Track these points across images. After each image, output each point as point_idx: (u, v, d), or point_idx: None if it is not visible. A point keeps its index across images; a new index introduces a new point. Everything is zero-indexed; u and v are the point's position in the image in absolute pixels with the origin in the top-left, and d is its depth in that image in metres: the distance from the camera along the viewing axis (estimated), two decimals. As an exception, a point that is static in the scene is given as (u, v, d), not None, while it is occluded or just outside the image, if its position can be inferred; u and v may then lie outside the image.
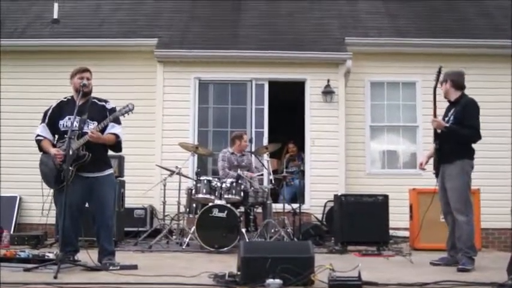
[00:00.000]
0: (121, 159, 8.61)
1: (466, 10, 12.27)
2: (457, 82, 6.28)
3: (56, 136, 5.79)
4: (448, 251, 6.32)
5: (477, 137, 6.10)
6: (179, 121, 10.41)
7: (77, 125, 5.52)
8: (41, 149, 5.79)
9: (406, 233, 8.93)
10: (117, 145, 5.86)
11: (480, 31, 11.37)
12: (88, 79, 5.79)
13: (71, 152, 5.42)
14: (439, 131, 6.15)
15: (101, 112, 5.76)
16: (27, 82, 10.74)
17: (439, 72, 6.19)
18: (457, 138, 6.08)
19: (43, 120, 5.82)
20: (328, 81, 10.42)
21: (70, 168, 5.43)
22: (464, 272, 5.71)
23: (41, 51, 10.96)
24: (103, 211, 5.73)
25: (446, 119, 6.18)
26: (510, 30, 11.10)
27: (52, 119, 5.77)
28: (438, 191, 6.32)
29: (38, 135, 5.77)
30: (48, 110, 5.86)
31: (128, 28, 11.50)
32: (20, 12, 11.93)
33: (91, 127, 5.59)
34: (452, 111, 6.19)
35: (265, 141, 10.19)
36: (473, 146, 6.19)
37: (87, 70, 5.85)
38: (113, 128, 5.73)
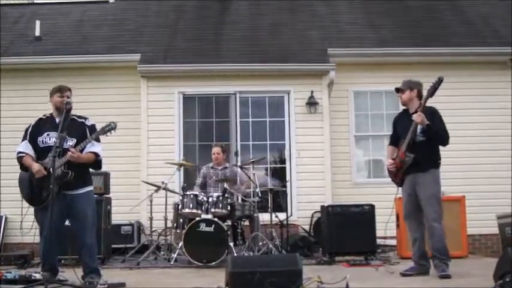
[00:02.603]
0: (106, 176, 8.57)
1: (447, 19, 12.38)
2: (421, 92, 6.31)
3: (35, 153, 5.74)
4: (417, 259, 6.21)
5: (448, 140, 6.18)
6: (164, 136, 10.39)
7: (57, 142, 5.46)
8: (22, 166, 5.74)
9: (394, 242, 8.95)
10: (96, 163, 5.85)
11: (461, 39, 11.48)
12: (68, 97, 5.75)
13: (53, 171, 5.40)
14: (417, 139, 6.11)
15: (80, 129, 5.76)
16: (10, 100, 10.69)
17: (440, 83, 5.97)
18: (436, 138, 6.10)
19: (24, 138, 5.79)
20: (312, 92, 10.47)
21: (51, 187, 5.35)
22: (448, 278, 5.74)
23: (23, 69, 10.93)
24: (83, 228, 5.68)
25: (412, 128, 6.08)
26: (495, 38, 11.32)
27: (32, 136, 5.76)
28: (405, 200, 6.33)
29: (20, 152, 5.73)
30: (28, 127, 5.84)
31: (110, 44, 11.50)
32: (2, 31, 11.87)
33: (69, 144, 5.57)
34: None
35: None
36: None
37: (67, 89, 5.83)
38: (92, 147, 5.69)
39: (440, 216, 6.11)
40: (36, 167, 5.56)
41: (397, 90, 6.39)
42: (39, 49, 11.25)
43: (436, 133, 6.08)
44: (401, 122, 6.41)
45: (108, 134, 5.66)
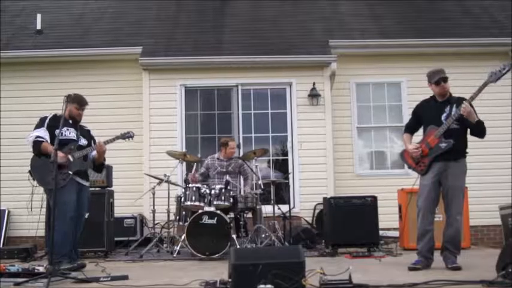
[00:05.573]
0: (109, 169, 8.57)
1: (450, 10, 12.34)
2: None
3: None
4: (427, 253, 6.09)
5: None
6: (166, 128, 10.41)
7: (75, 136, 6.25)
8: (39, 151, 5.94)
9: (396, 233, 8.95)
10: (102, 166, 6.80)
11: (463, 30, 11.44)
12: (83, 111, 6.47)
13: (71, 160, 6.08)
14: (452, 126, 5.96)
15: (88, 134, 6.55)
16: (12, 94, 10.68)
17: (508, 71, 5.73)
18: (481, 130, 5.99)
19: (42, 125, 5.95)
20: (314, 84, 10.46)
21: (70, 173, 6.06)
22: (458, 269, 5.74)
23: (24, 62, 10.91)
24: (82, 218, 6.38)
25: (444, 115, 6.00)
26: (496, 29, 11.28)
27: (50, 126, 6.07)
28: (428, 188, 6.08)
29: (38, 137, 5.88)
30: (46, 118, 6.10)
31: (112, 37, 11.48)
32: (3, 24, 11.85)
33: (83, 142, 6.32)
34: (448, 108, 6.03)
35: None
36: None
37: (86, 103, 6.45)
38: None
39: (463, 210, 6.09)
40: (61, 153, 5.89)
41: (446, 79, 6.12)
42: (40, 43, 11.23)
43: (483, 126, 5.98)
44: (431, 109, 6.21)
45: (126, 140, 6.65)
